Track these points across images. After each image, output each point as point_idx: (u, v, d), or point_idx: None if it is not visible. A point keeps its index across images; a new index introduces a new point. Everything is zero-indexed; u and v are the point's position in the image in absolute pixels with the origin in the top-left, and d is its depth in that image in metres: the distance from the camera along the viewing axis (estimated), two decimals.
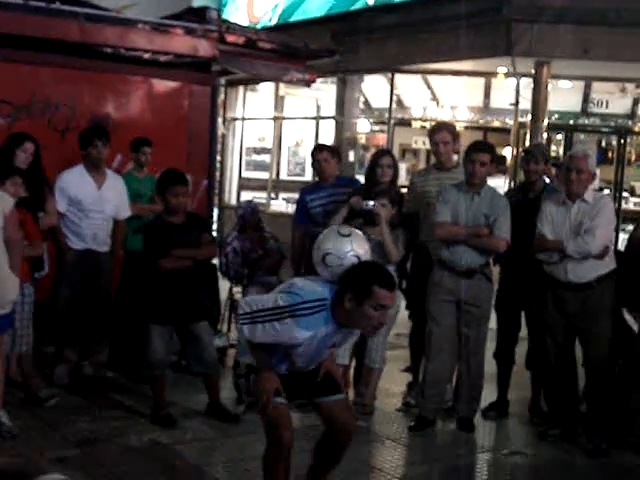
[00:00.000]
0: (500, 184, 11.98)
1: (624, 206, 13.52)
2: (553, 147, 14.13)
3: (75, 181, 6.21)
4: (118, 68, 7.36)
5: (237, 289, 7.70)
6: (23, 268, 5.50)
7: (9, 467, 2.42)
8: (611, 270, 5.37)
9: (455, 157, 6.33)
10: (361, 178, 7.21)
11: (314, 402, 4.04)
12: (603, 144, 15.07)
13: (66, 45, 6.92)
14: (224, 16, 12.72)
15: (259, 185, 16.33)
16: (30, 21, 6.76)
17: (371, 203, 5.63)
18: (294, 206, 7.11)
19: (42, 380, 5.99)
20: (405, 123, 14.91)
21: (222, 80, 11.59)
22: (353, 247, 3.82)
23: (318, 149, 6.61)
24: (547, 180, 6.30)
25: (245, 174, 17.22)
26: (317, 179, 6.72)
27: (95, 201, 6.23)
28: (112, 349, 6.66)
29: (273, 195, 16.16)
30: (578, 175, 5.26)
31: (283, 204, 15.48)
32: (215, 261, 7.69)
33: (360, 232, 4.07)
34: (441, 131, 6.05)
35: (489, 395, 6.10)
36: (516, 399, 6.25)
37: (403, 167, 12.54)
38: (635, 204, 14.00)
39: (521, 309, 5.98)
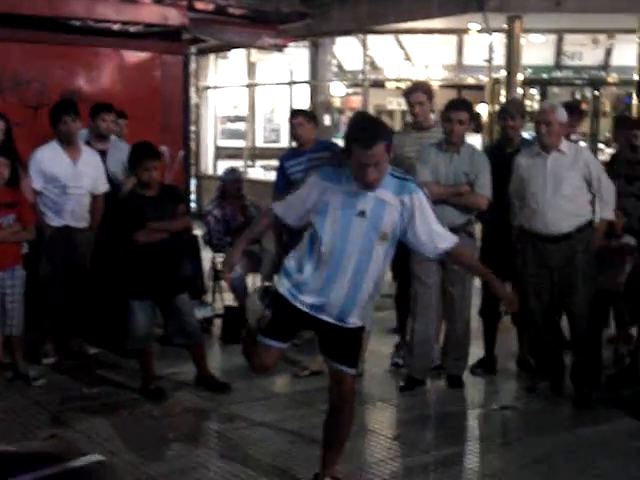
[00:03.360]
0: (477, 142, 11.98)
1: (600, 158, 13.55)
2: (528, 102, 14.13)
3: (50, 158, 6.13)
4: (88, 41, 7.27)
5: (220, 259, 7.69)
6: (15, 250, 5.49)
7: (45, 450, 2.41)
8: (589, 220, 5.40)
9: (432, 116, 6.30)
10: (338, 141, 7.18)
11: (325, 360, 4.05)
12: (578, 96, 15.08)
13: (34, 20, 6.81)
14: None
15: (235, 153, 16.25)
16: None
17: None
18: (272, 173, 7.08)
19: (28, 360, 5.95)
20: (379, 84, 14.85)
21: (193, 48, 11.49)
22: None
23: (293, 114, 6.58)
24: (524, 135, 6.32)
25: (221, 143, 17.13)
26: (295, 145, 6.67)
27: (72, 176, 6.16)
28: (96, 325, 6.62)
29: (250, 163, 16.10)
30: (548, 127, 5.30)
31: (261, 171, 15.43)
32: (197, 232, 7.68)
33: None
34: (415, 92, 6.02)
35: (476, 352, 6.14)
36: (503, 354, 6.31)
37: None
38: (611, 155, 14.03)
39: (505, 265, 5.99)
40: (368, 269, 3.75)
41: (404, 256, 5.72)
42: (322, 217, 3.70)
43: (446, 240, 3.87)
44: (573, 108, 6.47)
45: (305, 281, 3.77)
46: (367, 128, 3.69)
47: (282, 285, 3.84)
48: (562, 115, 5.36)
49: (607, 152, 14.06)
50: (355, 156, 3.58)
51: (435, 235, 3.81)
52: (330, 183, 3.70)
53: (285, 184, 6.47)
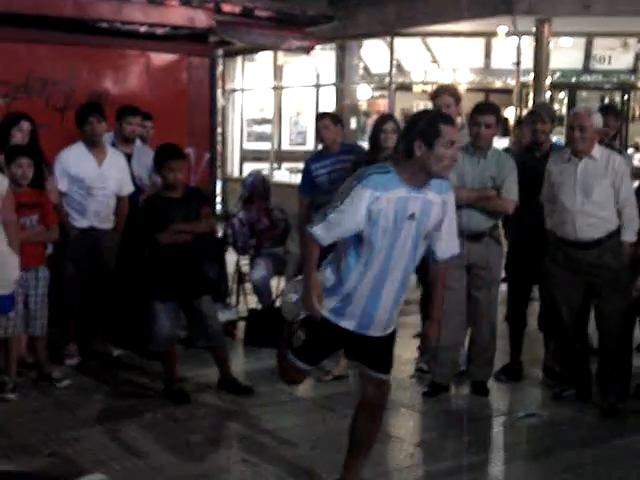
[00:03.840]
0: (504, 145, 11.90)
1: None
2: (556, 106, 14.03)
3: (75, 159, 6.15)
4: (115, 43, 7.27)
5: (244, 261, 7.68)
6: (38, 251, 5.50)
7: (45, 469, 2.38)
8: (619, 226, 5.31)
9: (458, 119, 6.25)
10: (364, 144, 7.15)
11: (360, 368, 3.99)
12: (606, 101, 14.94)
13: (61, 21, 6.83)
14: None
15: (261, 156, 16.26)
16: None
17: None
18: (297, 176, 7.07)
19: (52, 361, 5.96)
20: (406, 87, 14.82)
21: (220, 51, 11.49)
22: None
23: (319, 117, 6.58)
24: (554, 139, 6.25)
25: (247, 145, 17.15)
26: (321, 147, 6.66)
27: (97, 178, 6.17)
28: (120, 326, 6.63)
29: (276, 165, 16.10)
30: (582, 133, 5.17)
31: (286, 174, 15.43)
32: (220, 234, 7.67)
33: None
34: (443, 95, 5.96)
35: (502, 358, 6.07)
36: (529, 361, 6.23)
37: None
38: None
39: (532, 270, 5.93)
40: (412, 269, 3.77)
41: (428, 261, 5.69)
42: (374, 225, 3.58)
43: (456, 245, 3.87)
44: (609, 109, 6.38)
45: (350, 293, 3.69)
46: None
47: (325, 307, 3.73)
48: (597, 120, 5.25)
49: (637, 157, 13.96)
50: (445, 139, 3.53)
51: (453, 235, 3.83)
52: (380, 191, 3.54)
53: (310, 186, 6.46)
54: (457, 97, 5.97)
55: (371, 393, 3.93)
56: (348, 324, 3.75)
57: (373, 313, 3.73)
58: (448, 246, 3.82)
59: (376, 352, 3.88)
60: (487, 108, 5.61)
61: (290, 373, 3.99)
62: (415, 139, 3.55)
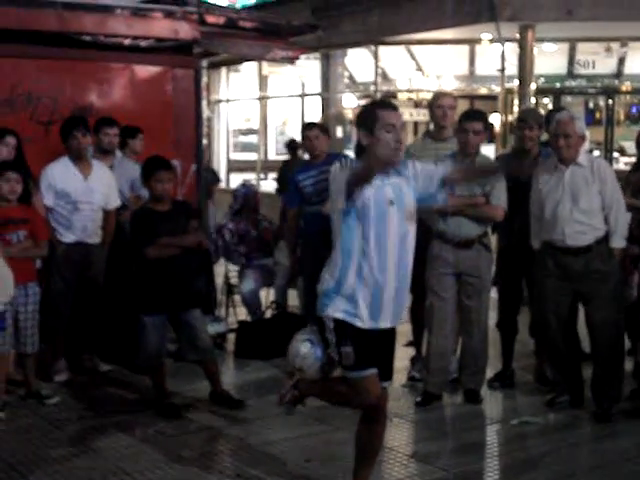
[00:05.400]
0: (490, 152, 11.92)
1: (615, 166, 13.48)
2: (541, 111, 14.06)
3: (61, 174, 6.10)
4: (99, 56, 7.22)
5: (233, 273, 7.65)
6: (27, 267, 5.44)
7: None
8: (607, 232, 5.29)
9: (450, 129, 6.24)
10: (351, 154, 7.12)
11: None
12: (591, 105, 15.00)
13: (45, 35, 6.78)
14: None
15: (248, 166, 16.24)
16: (6, 13, 6.62)
17: None
18: None
19: (40, 377, 5.90)
20: (391, 96, 14.81)
21: (204, 62, 11.47)
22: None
23: (308, 127, 6.55)
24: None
25: (233, 156, 17.13)
26: (307, 158, 6.63)
27: (83, 192, 6.12)
28: (108, 341, 6.57)
29: (262, 176, 16.07)
30: (566, 140, 5.15)
31: (273, 184, 15.37)
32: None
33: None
34: (447, 96, 6.06)
35: (494, 365, 6.05)
36: (521, 367, 6.22)
37: None
38: (625, 164, 13.95)
39: (522, 277, 5.91)
40: (408, 254, 3.80)
41: (419, 269, 5.66)
42: (364, 216, 3.69)
43: (442, 167, 3.99)
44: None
45: (354, 290, 3.72)
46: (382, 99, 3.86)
47: (337, 309, 3.74)
48: (581, 126, 5.25)
49: (622, 160, 14.02)
50: (382, 123, 3.65)
51: (435, 171, 3.90)
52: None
53: (297, 197, 6.41)
54: (455, 103, 6.02)
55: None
56: (361, 323, 3.75)
57: (380, 304, 3.74)
58: (440, 172, 3.88)
59: (382, 356, 3.87)
60: (475, 115, 5.60)
61: (369, 389, 3.81)
62: (359, 129, 3.76)
